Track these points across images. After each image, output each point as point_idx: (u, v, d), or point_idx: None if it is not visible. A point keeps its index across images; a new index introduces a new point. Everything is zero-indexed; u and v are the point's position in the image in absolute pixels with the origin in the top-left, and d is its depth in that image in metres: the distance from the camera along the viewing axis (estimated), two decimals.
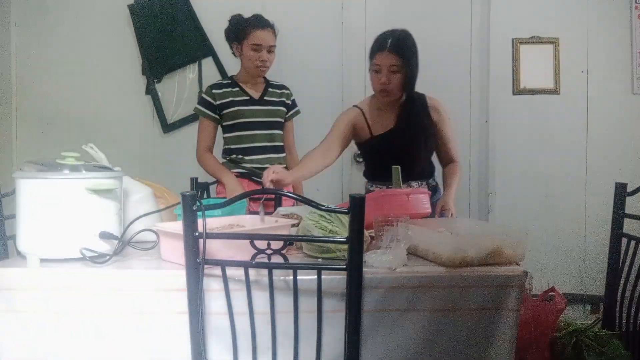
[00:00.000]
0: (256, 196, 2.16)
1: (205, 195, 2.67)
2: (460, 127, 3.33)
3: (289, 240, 1.31)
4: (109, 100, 3.28)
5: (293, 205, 2.17)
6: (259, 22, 2.46)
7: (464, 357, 1.32)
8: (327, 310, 1.26)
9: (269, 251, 1.20)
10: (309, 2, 3.29)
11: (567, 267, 3.30)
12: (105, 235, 1.46)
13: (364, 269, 1.22)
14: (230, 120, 2.51)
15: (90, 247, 1.42)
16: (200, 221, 1.21)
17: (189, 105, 3.13)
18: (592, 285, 3.26)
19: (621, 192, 1.93)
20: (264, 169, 2.49)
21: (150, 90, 3.27)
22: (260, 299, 1.24)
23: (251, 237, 1.22)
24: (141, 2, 3.24)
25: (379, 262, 1.33)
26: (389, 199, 1.75)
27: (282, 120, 2.61)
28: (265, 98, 2.56)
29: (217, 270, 1.25)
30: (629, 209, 1.94)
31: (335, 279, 1.27)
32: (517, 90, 3.29)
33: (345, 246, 1.21)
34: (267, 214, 1.98)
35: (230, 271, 1.24)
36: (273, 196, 2.33)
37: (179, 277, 1.27)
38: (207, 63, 3.29)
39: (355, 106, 2.31)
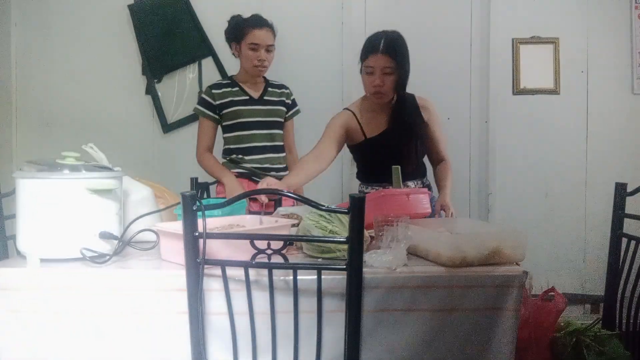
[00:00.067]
0: (256, 196, 2.16)
1: (205, 195, 2.67)
2: (460, 127, 3.34)
3: (289, 240, 1.31)
4: (109, 100, 3.28)
5: (293, 205, 2.17)
6: (257, 21, 2.46)
7: (464, 357, 1.32)
8: (327, 310, 1.26)
9: (269, 251, 1.20)
10: (309, 2, 3.29)
11: (567, 267, 3.30)
12: (105, 235, 1.46)
13: (364, 269, 1.22)
14: (230, 120, 2.51)
15: (90, 247, 1.42)
16: (200, 221, 1.21)
17: (189, 105, 3.13)
18: (592, 285, 3.27)
19: (621, 192, 1.94)
20: (264, 168, 2.51)
21: (150, 90, 3.27)
22: (260, 299, 1.24)
23: (251, 237, 1.22)
24: (141, 2, 3.24)
25: (379, 262, 1.33)
26: (389, 199, 1.75)
27: (282, 120, 2.61)
28: (265, 98, 2.56)
29: (217, 270, 1.25)
30: (629, 209, 1.94)
31: (335, 279, 1.27)
32: (517, 90, 3.29)
33: (345, 246, 1.21)
34: (267, 214, 1.98)
35: (230, 271, 1.24)
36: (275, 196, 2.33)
37: (179, 277, 1.27)
38: (207, 63, 3.29)
39: (347, 109, 2.31)
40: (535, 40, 3.28)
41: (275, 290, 1.24)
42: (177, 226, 1.37)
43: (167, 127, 3.29)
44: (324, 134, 2.23)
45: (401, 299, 1.31)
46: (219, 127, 2.57)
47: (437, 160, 2.35)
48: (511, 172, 3.30)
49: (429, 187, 2.35)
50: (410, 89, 2.25)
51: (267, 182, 2.04)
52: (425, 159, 2.39)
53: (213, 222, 1.44)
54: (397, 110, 2.22)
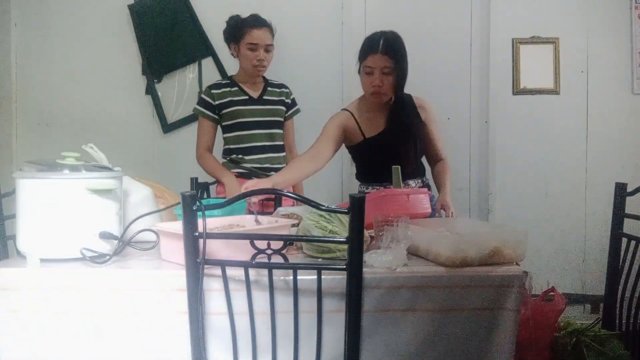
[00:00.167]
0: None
1: (205, 195, 2.67)
2: (460, 127, 3.34)
3: (289, 240, 1.31)
4: (109, 100, 3.28)
5: (293, 205, 2.17)
6: (256, 21, 2.46)
7: (464, 357, 1.32)
8: (327, 310, 1.26)
9: (269, 251, 1.20)
10: (309, 2, 3.29)
11: (567, 267, 3.30)
12: (105, 235, 1.46)
13: (364, 269, 1.22)
14: (230, 120, 2.51)
15: (90, 247, 1.42)
16: (200, 221, 1.21)
17: (189, 105, 3.13)
18: (592, 285, 3.27)
19: (621, 192, 1.94)
20: (264, 168, 2.51)
21: (150, 90, 3.27)
22: (260, 299, 1.24)
23: (251, 237, 1.22)
24: (141, 2, 3.24)
25: (379, 262, 1.33)
26: (389, 199, 1.75)
27: (282, 120, 2.61)
28: (265, 97, 2.56)
29: (217, 270, 1.25)
30: (629, 209, 1.94)
31: (335, 279, 1.27)
32: (517, 90, 3.29)
33: (345, 246, 1.21)
34: (267, 214, 1.98)
35: (230, 271, 1.24)
36: (273, 196, 2.33)
37: (179, 277, 1.27)
38: (207, 63, 3.29)
39: (345, 109, 2.31)
40: (535, 40, 3.28)
41: (275, 290, 1.24)
42: (177, 226, 1.37)
43: (167, 127, 3.29)
44: (321, 134, 2.22)
45: (401, 299, 1.31)
46: (219, 127, 2.57)
47: (435, 160, 2.36)
48: (511, 172, 3.30)
49: (429, 186, 2.35)
50: (410, 89, 2.25)
51: (246, 186, 1.96)
52: (423, 159, 2.39)
53: (213, 222, 1.44)
54: (395, 111, 2.22)
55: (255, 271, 1.26)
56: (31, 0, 3.26)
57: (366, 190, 2.31)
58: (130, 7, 3.23)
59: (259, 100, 2.55)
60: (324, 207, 1.20)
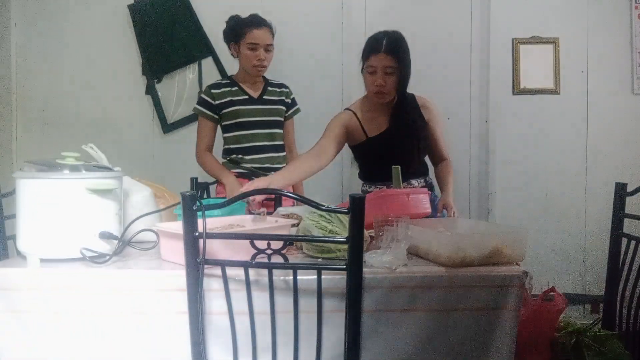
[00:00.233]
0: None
1: (205, 195, 2.67)
2: (460, 127, 3.34)
3: (289, 240, 1.31)
4: (109, 100, 3.28)
5: (293, 205, 2.17)
6: (255, 21, 2.46)
7: (464, 357, 1.32)
8: (327, 310, 1.26)
9: (269, 251, 1.20)
10: (309, 2, 3.29)
11: (567, 267, 3.30)
12: (105, 235, 1.46)
13: (364, 269, 1.22)
14: (230, 119, 2.51)
15: (90, 247, 1.42)
16: (200, 221, 1.21)
17: (189, 105, 3.13)
18: (592, 285, 3.26)
19: (621, 192, 1.94)
20: (264, 168, 2.51)
21: (150, 90, 3.27)
22: (260, 299, 1.24)
23: (251, 237, 1.22)
24: (141, 2, 3.24)
25: (379, 262, 1.33)
26: (389, 199, 1.75)
27: (282, 119, 2.61)
28: (265, 97, 2.56)
29: (217, 270, 1.25)
30: (629, 209, 1.94)
31: (335, 279, 1.27)
32: (517, 90, 3.29)
33: (345, 246, 1.21)
34: (267, 214, 1.98)
35: (230, 271, 1.24)
36: (273, 196, 2.33)
37: (179, 277, 1.27)
38: (207, 63, 3.29)
39: (348, 109, 2.31)
40: (535, 40, 3.28)
41: (275, 290, 1.24)
42: (177, 226, 1.37)
43: (167, 127, 3.29)
44: (324, 133, 2.23)
45: (401, 299, 1.31)
46: (219, 127, 2.57)
47: (439, 160, 2.36)
48: (511, 172, 3.30)
49: (432, 185, 2.36)
50: (410, 89, 2.24)
51: (246, 187, 1.98)
52: (426, 158, 2.39)
53: (213, 222, 1.44)
54: (398, 110, 2.23)
55: (255, 271, 1.26)
56: (31, 0, 3.26)
57: (369, 190, 2.31)
58: (130, 7, 3.23)
59: (259, 100, 2.55)
60: (324, 207, 1.20)
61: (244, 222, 1.65)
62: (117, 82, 3.28)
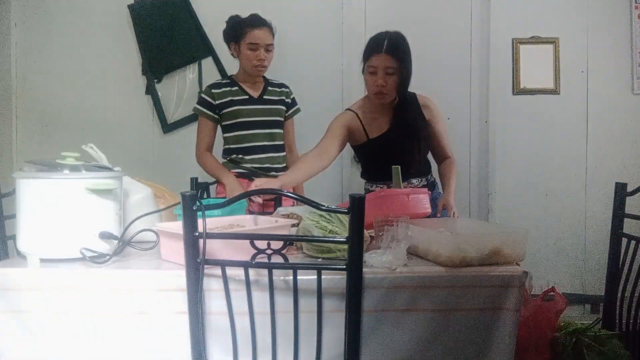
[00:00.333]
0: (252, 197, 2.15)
1: (205, 195, 2.67)
2: (460, 127, 3.34)
3: (289, 240, 1.31)
4: (109, 100, 3.28)
5: (293, 205, 2.17)
6: (256, 21, 2.46)
7: (464, 357, 1.32)
8: (327, 310, 1.26)
9: (269, 251, 1.20)
10: (309, 2, 3.29)
11: (567, 267, 3.30)
12: (105, 235, 1.45)
13: (364, 269, 1.22)
14: (230, 119, 2.51)
15: (90, 247, 1.42)
16: (200, 221, 1.21)
17: (189, 105, 3.13)
18: (592, 285, 3.26)
19: (621, 192, 1.94)
20: (264, 168, 2.51)
21: (150, 90, 3.27)
22: (260, 299, 1.24)
23: (251, 237, 1.22)
24: (141, 2, 3.24)
25: (379, 262, 1.33)
26: (389, 199, 1.75)
27: (282, 119, 2.61)
28: (265, 97, 2.56)
29: (217, 270, 1.25)
30: (629, 209, 1.94)
31: (335, 279, 1.26)
32: (517, 90, 3.29)
33: (345, 246, 1.21)
34: (267, 214, 1.98)
35: (230, 271, 1.24)
36: (273, 196, 2.33)
37: (179, 277, 1.27)
38: (207, 63, 3.29)
39: (349, 110, 2.31)
40: (535, 40, 3.28)
41: (275, 290, 1.24)
42: (177, 226, 1.37)
43: (167, 127, 3.29)
44: (326, 133, 2.23)
45: (401, 299, 1.31)
46: (219, 127, 2.57)
47: (442, 158, 2.36)
48: (511, 172, 3.30)
49: (434, 184, 2.36)
50: (410, 88, 2.25)
51: (256, 184, 2.02)
52: (430, 157, 2.39)
53: (213, 222, 1.44)
54: (399, 111, 2.23)
55: (255, 271, 1.26)
56: (31, 0, 3.26)
57: (371, 189, 2.32)
58: (130, 7, 3.23)
59: (259, 100, 2.55)
60: (324, 207, 1.20)
61: (244, 222, 1.65)
62: (117, 82, 3.28)
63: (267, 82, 2.61)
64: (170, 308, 1.31)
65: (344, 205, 1.19)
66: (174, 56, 3.26)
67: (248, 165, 2.51)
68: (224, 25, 2.54)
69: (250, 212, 2.01)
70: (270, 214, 2.03)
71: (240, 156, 2.52)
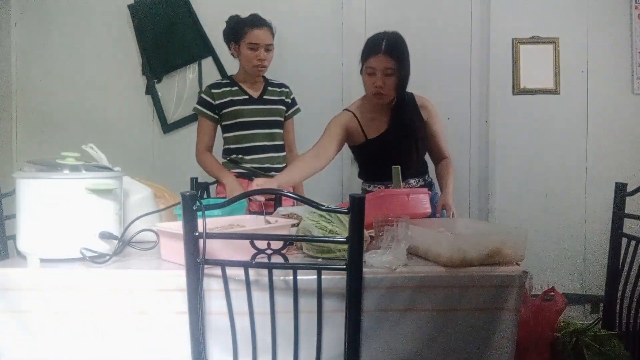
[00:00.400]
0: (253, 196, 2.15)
1: (205, 195, 2.67)
2: (460, 127, 3.34)
3: (289, 240, 1.31)
4: (109, 100, 3.28)
5: (293, 205, 2.17)
6: (256, 21, 2.46)
7: (464, 357, 1.32)
8: (327, 310, 1.26)
9: (269, 251, 1.20)
10: (309, 2, 3.29)
11: (567, 267, 3.30)
12: (105, 235, 1.46)
13: (364, 269, 1.22)
14: (230, 119, 2.51)
15: (90, 247, 1.42)
16: (200, 221, 1.21)
17: (189, 105, 3.13)
18: (592, 285, 3.26)
19: (621, 192, 1.93)
20: (264, 168, 2.51)
21: (150, 90, 3.27)
22: (260, 299, 1.24)
23: (251, 237, 1.22)
24: (141, 2, 3.23)
25: (379, 262, 1.33)
26: (389, 199, 1.75)
27: (282, 119, 2.61)
28: (265, 97, 2.56)
29: (217, 270, 1.25)
30: (629, 209, 1.94)
31: (335, 279, 1.27)
32: (517, 90, 3.29)
33: (345, 246, 1.21)
34: (267, 214, 1.98)
35: (230, 271, 1.24)
36: (273, 196, 2.33)
37: (179, 277, 1.27)
38: (207, 63, 3.29)
39: (347, 110, 2.31)
40: (535, 40, 3.28)
41: (275, 290, 1.24)
42: (177, 226, 1.37)
43: (167, 127, 3.28)
44: (324, 133, 2.23)
45: (401, 299, 1.31)
46: (219, 127, 2.57)
47: (439, 158, 2.36)
48: (511, 172, 3.30)
49: (431, 184, 2.36)
50: (410, 89, 2.25)
51: (257, 183, 2.03)
52: (427, 157, 2.39)
53: (213, 222, 1.44)
54: (397, 112, 2.23)
55: (255, 271, 1.26)
56: (31, 0, 3.26)
57: (368, 189, 2.31)
58: (130, 7, 3.23)
59: (259, 100, 2.55)
60: (324, 207, 1.20)
61: (244, 222, 1.65)
62: (117, 82, 3.28)
63: (267, 82, 2.61)
64: (170, 308, 1.31)
65: (344, 205, 1.19)
66: (174, 56, 3.26)
67: (248, 165, 2.51)
68: (224, 25, 2.54)
69: (250, 212, 2.01)
70: (270, 214, 2.03)
71: (240, 156, 2.52)
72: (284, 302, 1.25)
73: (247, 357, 1.27)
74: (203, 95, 2.55)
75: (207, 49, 3.26)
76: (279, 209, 2.01)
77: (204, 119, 2.53)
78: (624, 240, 1.90)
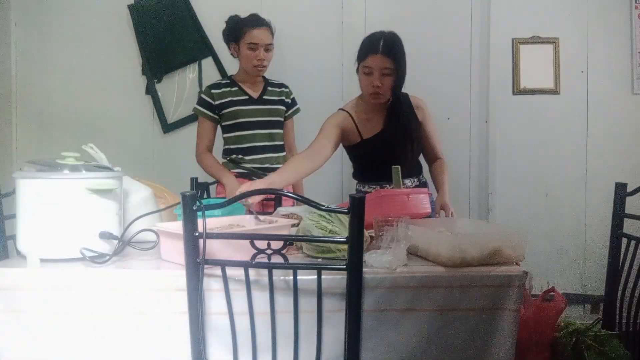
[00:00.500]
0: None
1: (205, 195, 2.67)
2: (460, 127, 3.34)
3: (289, 240, 1.31)
4: (109, 100, 3.28)
5: (293, 205, 2.17)
6: (255, 21, 2.47)
7: (464, 357, 1.32)
8: (327, 310, 1.26)
9: (269, 251, 1.20)
10: (308, 2, 3.30)
11: (567, 267, 3.30)
12: (105, 235, 1.46)
13: (364, 269, 1.23)
14: (230, 120, 2.51)
15: (90, 247, 1.42)
16: (200, 221, 1.21)
17: (189, 105, 3.13)
18: (592, 285, 3.27)
19: (621, 192, 1.94)
20: (264, 168, 2.51)
21: (150, 90, 3.27)
22: (260, 299, 1.24)
23: (251, 237, 1.22)
24: (141, 2, 3.23)
25: (379, 262, 1.33)
26: (389, 199, 1.75)
27: (282, 119, 2.61)
28: (265, 97, 2.56)
29: (217, 270, 1.25)
30: (629, 209, 1.94)
31: (335, 279, 1.27)
32: (517, 90, 3.29)
33: (345, 246, 1.21)
34: (267, 214, 1.98)
35: (230, 271, 1.24)
36: (273, 196, 2.33)
37: (179, 277, 1.27)
38: (207, 63, 3.29)
39: (342, 109, 2.30)
40: (535, 40, 3.28)
41: (275, 290, 1.24)
42: (177, 226, 1.37)
43: (167, 127, 3.29)
44: (319, 133, 2.22)
45: (401, 299, 1.31)
46: (219, 127, 2.57)
47: (432, 159, 2.35)
48: (511, 172, 3.30)
49: (425, 185, 2.35)
50: (410, 89, 2.25)
51: (247, 187, 1.99)
52: (421, 157, 2.39)
53: (213, 222, 1.44)
54: (393, 112, 2.22)
55: (255, 271, 1.26)
56: (31, 0, 3.26)
57: (363, 189, 2.31)
58: (130, 7, 3.23)
59: (259, 100, 2.55)
60: (324, 207, 1.20)
61: (244, 222, 1.65)
62: (117, 82, 3.28)
63: (267, 82, 2.61)
64: (170, 308, 1.31)
65: (344, 205, 1.19)
66: (174, 56, 3.26)
67: (248, 166, 2.51)
68: (224, 25, 2.54)
69: (251, 212, 2.01)
70: (270, 214, 2.03)
71: (240, 156, 2.52)
72: (284, 302, 1.25)
73: (247, 357, 1.27)
74: (203, 96, 2.55)
75: (207, 49, 3.26)
76: (279, 209, 2.01)
77: (204, 119, 2.54)
78: (624, 240, 1.90)
